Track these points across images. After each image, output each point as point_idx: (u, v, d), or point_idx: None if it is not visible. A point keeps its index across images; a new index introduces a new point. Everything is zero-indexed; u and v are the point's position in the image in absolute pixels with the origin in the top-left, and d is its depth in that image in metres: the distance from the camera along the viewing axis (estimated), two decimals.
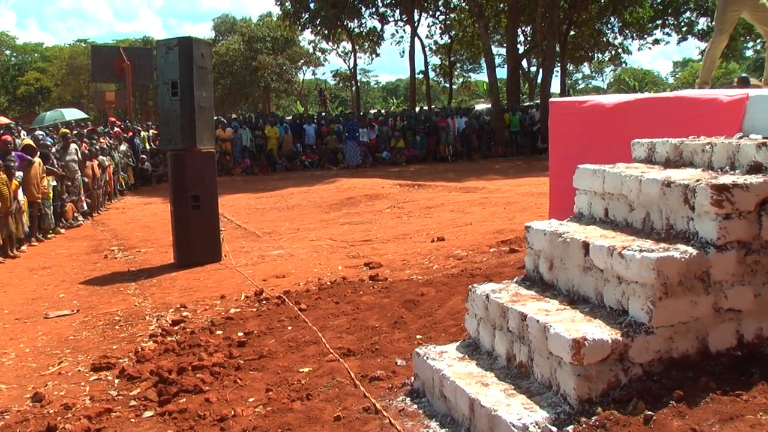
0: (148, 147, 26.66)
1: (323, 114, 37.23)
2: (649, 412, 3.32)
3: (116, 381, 5.87)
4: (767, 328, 3.90)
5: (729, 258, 3.77)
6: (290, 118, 35.11)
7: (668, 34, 43.33)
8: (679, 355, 3.69)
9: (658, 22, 42.20)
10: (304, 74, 69.84)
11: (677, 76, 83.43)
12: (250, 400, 5.02)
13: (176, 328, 7.27)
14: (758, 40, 42.04)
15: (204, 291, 8.95)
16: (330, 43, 51.53)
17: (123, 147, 23.83)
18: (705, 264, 3.72)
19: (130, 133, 26.30)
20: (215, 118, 19.57)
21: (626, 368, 3.59)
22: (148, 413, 5.08)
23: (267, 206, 18.02)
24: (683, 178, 4.06)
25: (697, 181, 3.91)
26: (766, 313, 3.89)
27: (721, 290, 3.77)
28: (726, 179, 3.92)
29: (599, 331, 3.61)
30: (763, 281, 3.88)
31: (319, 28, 43.98)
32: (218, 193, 11.42)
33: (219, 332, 6.88)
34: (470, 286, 4.66)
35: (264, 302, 7.92)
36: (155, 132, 26.93)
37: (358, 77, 55.34)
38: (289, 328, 6.69)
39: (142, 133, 27.02)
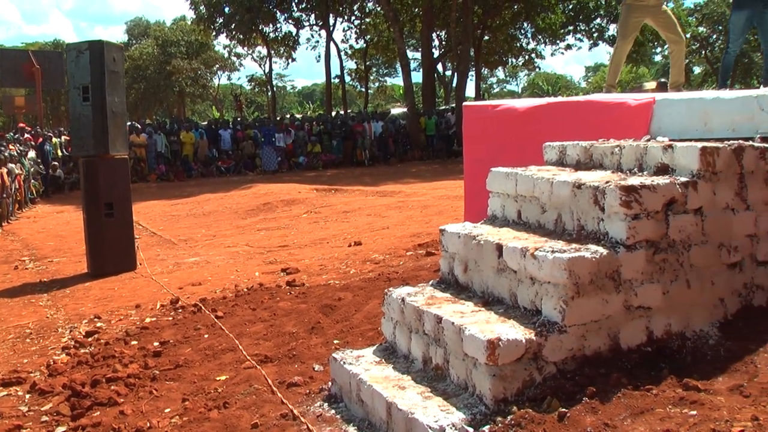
0: (60, 154, 25.98)
1: (239, 119, 36.98)
2: (563, 409, 3.38)
3: (27, 396, 5.70)
4: (676, 324, 4.01)
5: (638, 257, 3.86)
6: (206, 123, 34.75)
7: (580, 40, 44.34)
8: (592, 353, 3.76)
9: (570, 28, 43.09)
10: (219, 79, 69.29)
11: (589, 80, 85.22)
12: (166, 410, 4.93)
13: (90, 339, 7.10)
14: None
15: (119, 301, 8.78)
16: (245, 48, 51.32)
17: (32, 154, 23.18)
18: (615, 263, 3.80)
19: (40, 139, 25.60)
20: (129, 123, 19.26)
21: (540, 367, 3.64)
22: (60, 429, 4.96)
23: (183, 213, 17.79)
24: (593, 179, 4.15)
25: (607, 182, 4.00)
26: (675, 310, 4.00)
27: (631, 288, 3.86)
28: (634, 181, 4.02)
29: (513, 331, 3.66)
30: (671, 279, 3.99)
31: (234, 32, 43.71)
32: (132, 200, 11.22)
33: (134, 343, 6.75)
34: (386, 290, 4.68)
35: (180, 311, 7.81)
36: (67, 138, 26.28)
37: (274, 82, 55.18)
38: (206, 336, 6.61)
39: (54, 140, 26.31)
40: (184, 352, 6.20)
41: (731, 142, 4.42)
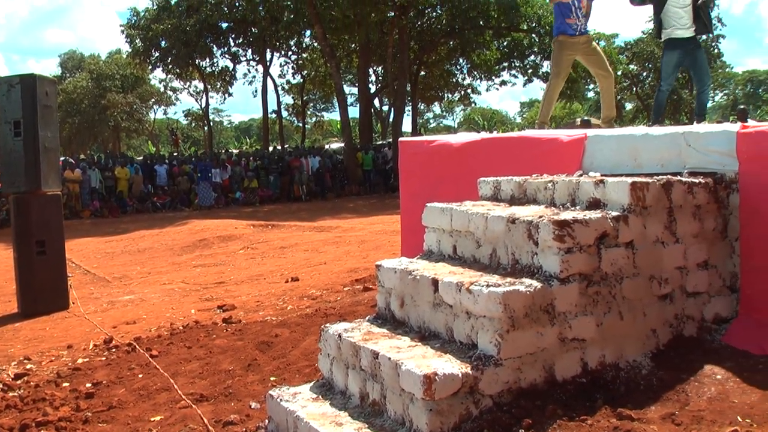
0: None
1: (175, 154, 36.66)
2: None
3: None
4: (609, 355, 4.07)
5: (572, 290, 3.92)
6: (141, 158, 34.44)
7: (515, 76, 44.94)
8: (528, 385, 3.80)
9: (505, 64, 43.71)
10: (155, 113, 68.70)
11: (524, 115, 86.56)
12: None
13: (19, 382, 6.90)
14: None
15: (50, 341, 8.57)
16: (182, 82, 50.97)
17: None
18: (549, 296, 3.85)
19: None
20: (62, 158, 18.95)
21: (477, 400, 3.66)
22: None
23: (117, 250, 17.51)
24: (527, 214, 4.22)
25: (540, 217, 4.06)
26: (608, 341, 4.07)
27: (565, 321, 3.91)
28: (567, 215, 4.09)
29: (450, 365, 3.67)
30: (604, 311, 4.06)
31: (170, 66, 43.46)
32: (66, 237, 11.01)
33: (65, 384, 6.59)
34: (323, 326, 4.66)
35: (114, 350, 7.66)
36: None
37: (211, 116, 54.92)
38: (140, 375, 6.50)
39: None
40: (117, 393, 6.07)
41: (660, 177, 4.54)
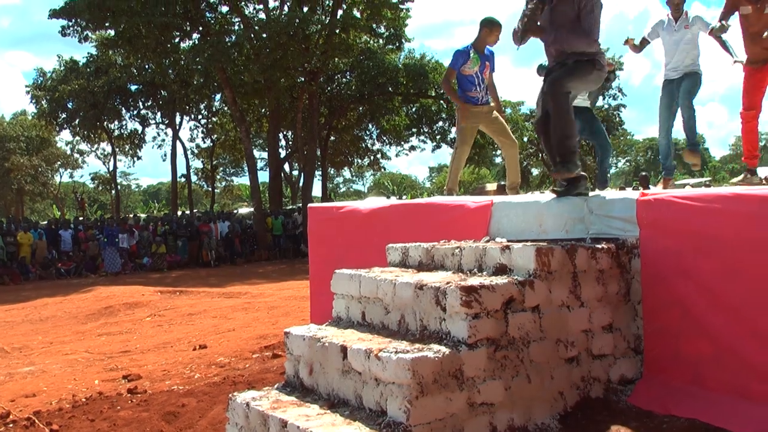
0: None
1: (81, 219, 35.89)
2: None
3: None
4: (518, 418, 4.09)
5: (480, 355, 3.95)
6: (45, 223, 33.52)
7: (424, 141, 45.50)
8: None
9: (414, 130, 44.29)
10: (61, 176, 67.13)
11: (433, 180, 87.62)
12: None
13: None
14: None
15: None
16: (89, 145, 50.15)
17: None
18: (458, 362, 3.86)
19: None
20: None
21: None
22: None
23: (18, 319, 16.90)
24: (435, 280, 4.25)
25: (448, 283, 4.09)
26: (517, 405, 4.09)
27: (474, 386, 3.92)
28: (474, 281, 4.13)
29: None
30: (512, 375, 4.09)
31: (77, 128, 42.82)
32: None
33: None
34: (231, 395, 4.58)
35: (11, 425, 7.34)
36: None
37: (119, 180, 54.11)
38: None
39: None
40: None
41: (565, 242, 4.64)
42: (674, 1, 8.11)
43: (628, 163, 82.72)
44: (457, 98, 8.57)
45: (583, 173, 5.39)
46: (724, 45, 8.04)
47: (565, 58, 5.39)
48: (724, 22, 7.79)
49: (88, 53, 40.38)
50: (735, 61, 7.94)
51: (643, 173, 28.83)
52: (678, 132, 8.76)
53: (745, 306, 4.34)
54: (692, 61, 8.09)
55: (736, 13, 7.57)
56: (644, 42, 8.59)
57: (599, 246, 4.71)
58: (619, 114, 45.97)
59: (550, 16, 5.44)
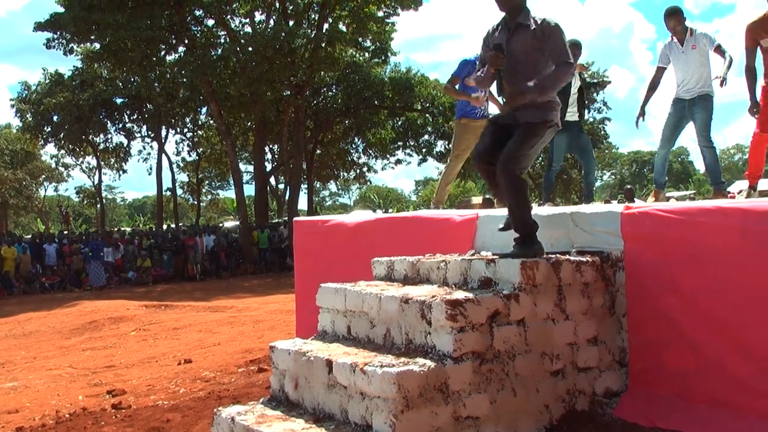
0: None
1: (66, 233, 35.71)
2: None
3: None
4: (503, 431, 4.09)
5: (465, 369, 3.95)
6: (30, 237, 33.33)
7: (410, 155, 45.57)
8: None
9: (400, 143, 44.38)
10: (45, 190, 66.72)
11: (419, 194, 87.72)
12: None
13: None
14: None
15: None
16: (74, 158, 49.96)
17: None
18: (443, 375, 3.87)
19: None
20: None
21: None
22: None
23: (1, 334, 16.76)
24: (420, 294, 4.25)
25: (433, 297, 4.10)
26: (502, 418, 4.09)
27: (459, 399, 3.92)
28: (459, 295, 4.14)
29: None
30: (497, 388, 4.09)
31: (62, 142, 42.66)
32: None
33: None
34: (216, 410, 4.57)
35: None
36: None
37: (104, 194, 53.89)
38: None
39: None
40: None
41: (550, 256, 4.66)
42: (670, 24, 8.00)
43: (613, 176, 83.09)
44: (466, 95, 8.45)
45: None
46: (727, 63, 7.96)
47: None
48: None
49: (73, 66, 40.47)
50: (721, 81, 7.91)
51: (628, 186, 28.97)
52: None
53: (730, 319, 4.36)
54: (704, 83, 7.97)
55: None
56: (660, 71, 8.39)
57: (584, 259, 4.73)
58: (604, 127, 46.09)
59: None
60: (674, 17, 7.93)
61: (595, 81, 8.96)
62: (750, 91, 7.42)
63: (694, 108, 7.83)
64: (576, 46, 8.86)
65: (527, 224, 4.82)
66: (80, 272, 28.36)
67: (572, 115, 8.84)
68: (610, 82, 28.52)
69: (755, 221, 4.31)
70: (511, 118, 4.99)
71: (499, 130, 5.07)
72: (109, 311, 18.38)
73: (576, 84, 8.84)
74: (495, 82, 5.11)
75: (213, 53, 30.58)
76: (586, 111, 9.27)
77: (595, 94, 39.57)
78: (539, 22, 4.95)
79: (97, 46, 31.14)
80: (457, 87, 8.55)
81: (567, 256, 4.74)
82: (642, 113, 8.41)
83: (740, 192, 7.96)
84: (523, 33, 4.97)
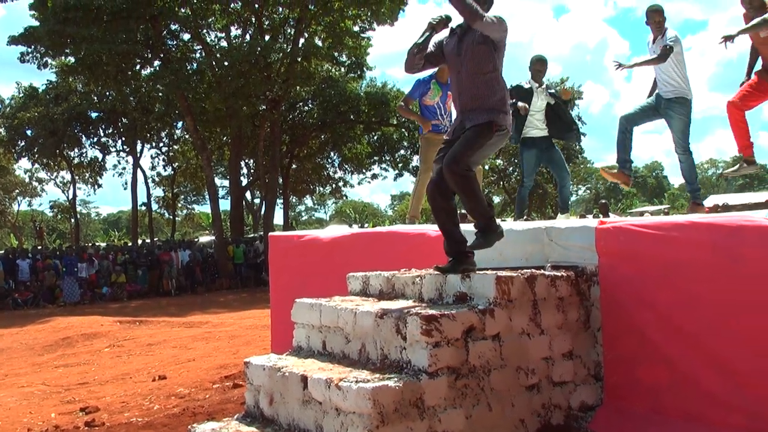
0: None
1: (39, 248, 35.40)
2: None
3: None
4: None
5: (440, 384, 3.94)
6: (2, 252, 33.02)
7: (386, 169, 45.60)
8: None
9: (376, 158, 44.40)
10: (19, 205, 66.12)
11: (395, 208, 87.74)
12: None
13: None
14: None
15: None
16: (48, 173, 49.61)
17: None
18: (418, 390, 3.86)
19: None
20: None
21: None
22: None
23: None
24: (395, 309, 4.25)
25: (408, 312, 4.09)
26: None
27: (434, 414, 3.92)
28: (435, 310, 4.14)
29: None
30: (473, 403, 4.09)
31: (36, 156, 42.31)
32: None
33: None
34: (190, 426, 4.53)
35: None
36: None
37: (78, 209, 53.50)
38: None
39: None
40: None
41: (524, 270, 4.67)
42: (654, 18, 8.01)
43: (588, 191, 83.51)
44: (418, 116, 8.57)
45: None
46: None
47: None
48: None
49: (47, 80, 40.11)
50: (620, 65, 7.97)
51: (603, 201, 29.12)
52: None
53: (703, 333, 4.38)
54: (676, 84, 7.95)
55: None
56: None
57: (559, 274, 4.74)
58: (578, 142, 46.40)
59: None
60: (659, 12, 7.97)
61: (559, 96, 8.94)
62: (749, 67, 7.65)
63: (669, 111, 7.83)
64: (540, 62, 8.97)
65: (483, 213, 4.85)
66: (53, 288, 28.09)
67: (540, 131, 8.93)
68: (579, 97, 28.66)
69: (724, 236, 4.34)
70: (461, 129, 5.00)
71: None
72: (82, 327, 18.22)
73: (541, 100, 8.90)
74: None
75: (189, 67, 30.51)
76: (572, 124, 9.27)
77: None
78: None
79: (72, 59, 31.02)
80: (411, 107, 8.62)
81: (542, 271, 4.75)
82: (622, 66, 8.31)
83: (716, 207, 7.94)
84: (471, 33, 4.98)
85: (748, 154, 7.81)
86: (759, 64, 7.60)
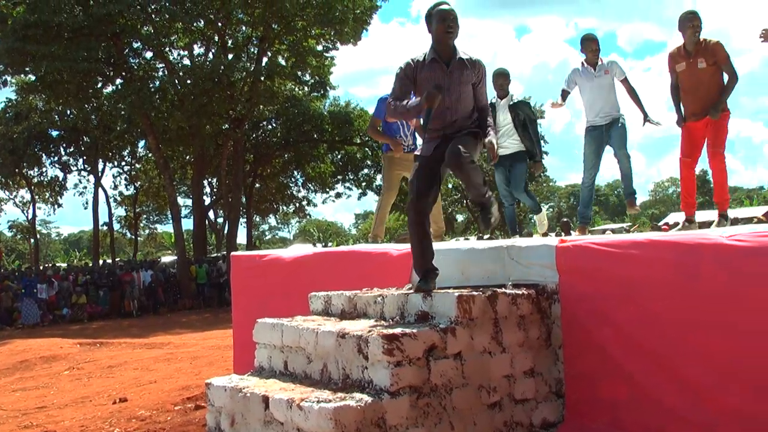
0: None
1: None
2: None
3: None
4: None
5: (402, 403, 3.94)
6: None
7: (349, 188, 45.56)
8: None
9: (340, 177, 44.40)
10: None
11: (359, 227, 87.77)
12: None
13: None
14: None
15: None
16: (7, 192, 48.97)
17: None
18: (380, 410, 3.85)
19: None
20: None
21: None
22: None
23: None
24: (357, 329, 4.24)
25: (370, 331, 4.09)
26: None
27: None
28: (396, 329, 4.14)
29: None
30: (435, 422, 4.09)
31: None
32: None
33: None
34: None
35: None
36: None
37: (38, 228, 52.85)
38: None
39: None
40: None
41: (486, 289, 4.69)
42: (592, 47, 8.28)
43: (550, 210, 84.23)
44: (388, 137, 8.48)
45: None
46: (637, 99, 8.27)
47: None
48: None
49: (7, 98, 39.76)
50: (647, 121, 8.19)
51: (565, 219, 29.33)
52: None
53: (663, 350, 4.43)
54: (614, 106, 8.24)
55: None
56: (565, 94, 8.72)
57: (520, 292, 4.77)
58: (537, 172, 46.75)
59: None
60: (594, 42, 8.29)
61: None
62: (675, 106, 7.67)
63: (610, 131, 8.12)
64: (503, 76, 8.98)
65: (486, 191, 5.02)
66: (12, 310, 27.65)
67: (503, 149, 8.85)
68: (541, 116, 28.80)
69: (682, 253, 4.40)
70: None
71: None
72: (41, 350, 17.95)
73: (505, 116, 8.89)
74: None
75: (151, 85, 30.30)
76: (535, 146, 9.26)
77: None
78: (473, 58, 5.10)
79: (33, 77, 30.72)
80: (378, 128, 8.57)
81: (503, 290, 4.77)
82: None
83: (676, 225, 8.06)
84: (462, 68, 5.07)
85: (690, 214, 7.96)
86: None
